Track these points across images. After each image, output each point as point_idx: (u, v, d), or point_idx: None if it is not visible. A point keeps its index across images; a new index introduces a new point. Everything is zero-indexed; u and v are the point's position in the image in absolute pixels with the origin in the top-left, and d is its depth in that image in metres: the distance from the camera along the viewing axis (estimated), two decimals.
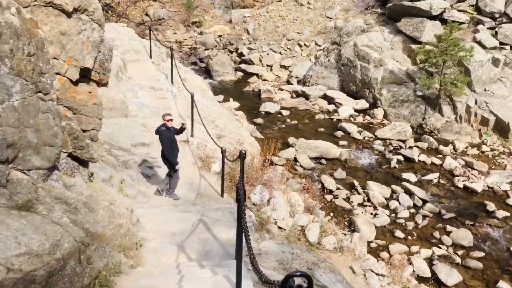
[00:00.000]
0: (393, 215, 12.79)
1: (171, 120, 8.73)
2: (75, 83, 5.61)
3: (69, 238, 3.74)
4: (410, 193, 13.59)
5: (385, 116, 18.74)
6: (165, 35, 26.14)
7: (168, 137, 8.64)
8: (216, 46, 25.78)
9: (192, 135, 11.65)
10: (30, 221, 3.63)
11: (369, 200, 13.24)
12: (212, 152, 10.93)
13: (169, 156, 8.67)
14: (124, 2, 26.42)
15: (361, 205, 13.13)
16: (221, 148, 8.89)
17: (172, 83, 14.23)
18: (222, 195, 9.12)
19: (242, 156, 6.37)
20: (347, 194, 13.47)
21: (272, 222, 8.95)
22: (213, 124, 13.20)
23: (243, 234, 4.67)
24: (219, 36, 26.34)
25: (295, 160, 15.06)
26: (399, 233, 11.97)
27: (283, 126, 17.68)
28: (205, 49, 25.43)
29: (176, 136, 8.88)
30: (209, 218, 7.37)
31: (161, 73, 14.77)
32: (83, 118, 5.65)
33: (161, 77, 14.45)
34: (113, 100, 11.08)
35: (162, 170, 9.92)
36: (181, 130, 9.07)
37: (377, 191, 13.53)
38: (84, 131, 5.64)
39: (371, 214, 12.76)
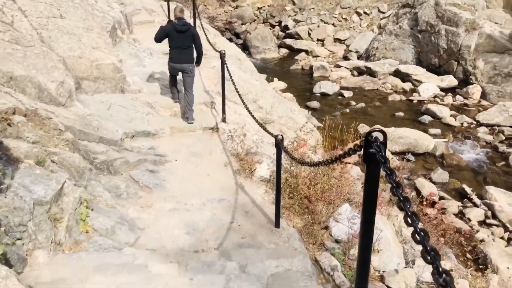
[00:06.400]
0: None
1: None
2: None
3: None
4: None
5: (483, 95, 13.97)
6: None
7: None
8: (255, 20, 21.54)
9: (223, 120, 7.48)
10: None
11: (493, 216, 8.69)
12: (256, 146, 6.72)
13: None
14: None
15: (482, 223, 8.61)
16: (275, 137, 4.68)
17: None
18: (277, 225, 4.91)
19: (377, 144, 1.98)
20: (458, 207, 8.96)
21: (376, 276, 4.65)
22: (255, 104, 9.03)
23: None
24: (259, 8, 22.07)
25: None
26: None
27: (347, 110, 13.26)
28: (242, 24, 21.25)
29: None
30: None
31: None
32: None
33: None
34: (100, 64, 7.04)
35: (174, 176, 5.84)
36: None
37: (504, 201, 8.94)
38: None
39: (502, 238, 8.22)
